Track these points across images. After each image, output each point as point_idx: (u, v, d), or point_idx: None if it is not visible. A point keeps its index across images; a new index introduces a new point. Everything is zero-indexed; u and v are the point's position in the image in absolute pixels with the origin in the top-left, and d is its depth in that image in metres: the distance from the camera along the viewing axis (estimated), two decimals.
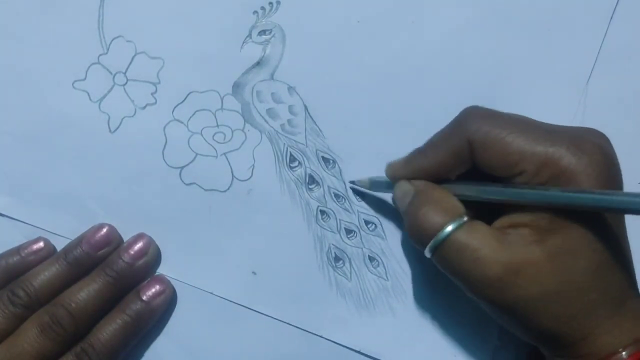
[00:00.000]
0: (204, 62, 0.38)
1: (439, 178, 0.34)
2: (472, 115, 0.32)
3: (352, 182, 0.39)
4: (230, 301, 0.39)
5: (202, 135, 0.39)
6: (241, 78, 0.39)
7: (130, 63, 0.38)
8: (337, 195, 0.39)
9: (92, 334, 0.36)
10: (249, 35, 0.38)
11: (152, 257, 0.38)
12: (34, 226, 0.38)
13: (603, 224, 0.30)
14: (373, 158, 0.39)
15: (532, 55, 0.39)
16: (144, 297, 0.37)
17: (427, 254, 0.32)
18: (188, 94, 0.39)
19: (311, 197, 0.39)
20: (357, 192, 0.39)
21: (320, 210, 0.39)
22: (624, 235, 0.31)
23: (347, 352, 0.39)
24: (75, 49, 0.38)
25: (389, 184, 0.36)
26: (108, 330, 0.36)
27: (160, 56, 0.38)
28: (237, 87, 0.39)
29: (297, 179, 0.39)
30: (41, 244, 0.37)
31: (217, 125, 0.39)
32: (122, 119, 0.38)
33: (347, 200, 0.39)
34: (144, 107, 0.38)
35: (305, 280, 0.39)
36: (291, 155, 0.39)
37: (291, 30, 0.39)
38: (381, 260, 0.39)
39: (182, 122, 0.39)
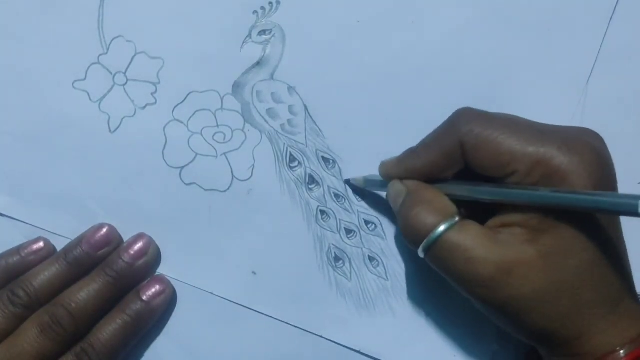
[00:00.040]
0: (204, 62, 0.38)
1: (431, 178, 0.34)
2: (464, 116, 0.32)
3: (347, 181, 0.39)
4: (230, 301, 0.39)
5: (202, 135, 0.39)
6: (241, 78, 0.39)
7: (130, 63, 0.38)
8: (337, 195, 0.39)
9: (92, 334, 0.36)
10: (249, 35, 0.38)
11: (152, 257, 0.38)
12: (34, 226, 0.38)
13: (596, 224, 0.30)
14: (373, 158, 0.38)
15: (532, 55, 0.39)
16: (144, 297, 0.37)
17: (421, 254, 0.32)
18: (188, 94, 0.39)
19: (311, 197, 0.39)
20: (356, 192, 0.39)
21: (320, 210, 0.39)
22: (619, 236, 0.31)
23: (347, 352, 0.39)
24: (75, 49, 0.38)
25: (383, 183, 0.36)
26: (108, 330, 0.36)
27: (160, 56, 0.38)
28: (237, 87, 0.39)
29: (297, 179, 0.39)
30: (41, 244, 0.37)
31: (217, 125, 0.39)
32: (122, 119, 0.38)
33: (347, 200, 0.39)
34: (144, 107, 0.38)
35: (305, 280, 0.39)
36: (291, 155, 0.39)
37: (291, 30, 0.39)
38: (381, 260, 0.39)
39: (182, 122, 0.39)
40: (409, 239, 0.33)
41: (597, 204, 0.27)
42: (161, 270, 0.39)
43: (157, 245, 0.38)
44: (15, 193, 0.38)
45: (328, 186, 0.39)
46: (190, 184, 0.39)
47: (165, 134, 0.38)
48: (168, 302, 0.38)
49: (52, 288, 0.36)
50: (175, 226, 0.39)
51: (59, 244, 0.38)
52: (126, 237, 0.38)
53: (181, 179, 0.39)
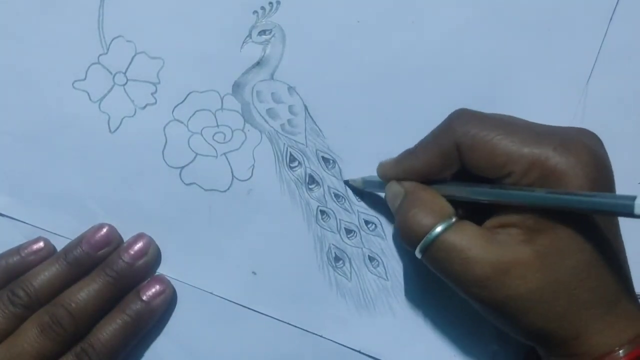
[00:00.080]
0: (204, 62, 0.38)
1: (429, 179, 0.34)
2: (460, 117, 0.32)
3: (346, 182, 0.39)
4: (230, 301, 0.39)
5: (202, 135, 0.39)
6: (241, 78, 0.39)
7: (130, 63, 0.38)
8: (337, 195, 0.39)
9: (92, 334, 0.36)
10: (249, 35, 0.38)
11: (152, 257, 0.38)
12: (34, 226, 0.38)
13: (593, 225, 0.30)
14: (373, 158, 0.38)
15: (532, 55, 0.39)
16: (144, 297, 0.37)
17: (418, 254, 0.32)
18: (188, 94, 0.39)
19: (311, 197, 0.39)
20: (356, 192, 0.39)
21: (320, 210, 0.39)
22: (617, 236, 0.31)
23: (347, 352, 0.39)
24: (75, 49, 0.38)
25: (381, 184, 0.36)
26: (108, 330, 0.36)
27: (160, 56, 0.38)
28: (237, 87, 0.39)
29: (297, 179, 0.39)
30: (41, 244, 0.37)
31: (217, 125, 0.39)
32: (122, 119, 0.38)
33: (347, 200, 0.39)
34: (144, 107, 0.38)
35: (305, 280, 0.39)
36: (291, 155, 0.39)
37: (291, 30, 0.39)
38: (381, 260, 0.39)
39: (182, 122, 0.39)
40: (406, 239, 0.33)
41: (593, 204, 0.27)
42: (161, 270, 0.39)
43: (157, 245, 0.38)
44: (15, 193, 0.38)
45: (328, 186, 0.39)
46: (190, 184, 0.39)
47: (165, 134, 0.38)
48: (168, 302, 0.38)
49: (52, 288, 0.36)
50: (175, 226, 0.39)
51: (59, 244, 0.38)
52: (126, 237, 0.38)
53: (181, 179, 0.39)
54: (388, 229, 0.39)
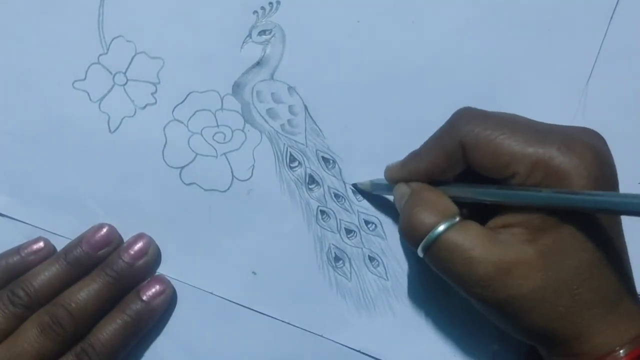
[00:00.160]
0: (204, 62, 0.38)
1: (434, 179, 0.34)
2: (463, 116, 0.32)
3: (355, 185, 0.39)
4: (230, 301, 0.39)
5: (202, 135, 0.39)
6: (241, 78, 0.39)
7: (130, 63, 0.38)
8: (337, 195, 0.39)
9: (92, 334, 0.36)
10: (249, 35, 0.38)
11: (152, 257, 0.38)
12: (34, 226, 0.38)
13: (596, 224, 0.30)
14: (373, 158, 0.39)
15: (532, 55, 0.39)
16: (144, 297, 0.37)
17: (420, 253, 0.32)
18: (188, 94, 0.39)
19: (311, 197, 0.39)
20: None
21: (320, 210, 0.39)
22: (619, 235, 0.31)
23: (347, 352, 0.39)
24: (75, 49, 0.38)
25: (389, 187, 0.36)
26: (108, 330, 0.36)
27: (160, 56, 0.38)
28: (237, 87, 0.39)
29: (297, 179, 0.39)
30: (41, 244, 0.37)
31: (217, 125, 0.39)
32: (122, 119, 0.38)
33: (347, 200, 0.39)
34: (144, 107, 0.38)
35: (305, 280, 0.39)
36: (291, 155, 0.39)
37: (291, 30, 0.39)
38: (381, 260, 0.39)
39: (182, 122, 0.39)
40: (409, 238, 0.33)
41: (599, 204, 0.27)
42: (161, 270, 0.39)
43: (157, 245, 0.38)
44: (15, 193, 0.38)
45: (328, 186, 0.39)
46: (190, 184, 0.39)
47: (165, 134, 0.38)
48: (168, 302, 0.38)
49: (52, 288, 0.36)
50: (175, 226, 0.39)
51: (59, 244, 0.38)
52: (126, 237, 0.38)
53: (181, 179, 0.39)
54: (388, 229, 0.39)
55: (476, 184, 0.32)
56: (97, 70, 0.38)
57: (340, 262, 0.39)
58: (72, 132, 0.38)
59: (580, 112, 0.39)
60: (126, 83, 0.38)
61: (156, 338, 0.38)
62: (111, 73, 0.38)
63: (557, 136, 0.30)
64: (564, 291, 0.30)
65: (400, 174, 0.35)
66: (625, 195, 0.26)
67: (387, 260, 0.39)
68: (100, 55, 0.38)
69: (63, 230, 0.38)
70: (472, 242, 0.30)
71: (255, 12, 0.38)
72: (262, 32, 0.38)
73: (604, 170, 0.30)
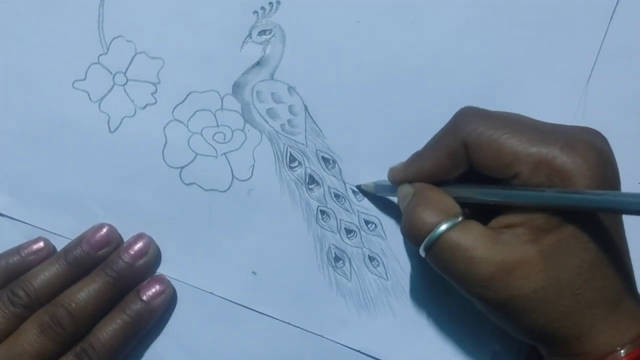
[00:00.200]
0: (204, 62, 0.38)
1: (438, 180, 0.34)
2: (466, 115, 0.32)
3: (359, 187, 0.39)
4: (230, 301, 0.39)
5: (202, 135, 0.39)
6: (241, 78, 0.39)
7: (130, 63, 0.38)
8: (337, 195, 0.39)
9: (92, 334, 0.36)
10: (249, 35, 0.38)
11: (152, 257, 0.38)
12: (34, 226, 0.38)
13: (598, 224, 0.30)
14: (373, 158, 0.39)
15: (532, 55, 0.39)
16: (144, 297, 0.37)
17: (422, 253, 0.32)
18: (188, 94, 0.39)
19: (311, 197, 0.39)
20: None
21: (320, 210, 0.39)
22: (621, 235, 0.31)
23: (347, 352, 0.39)
24: (75, 49, 0.38)
25: (393, 188, 0.36)
26: (108, 330, 0.36)
27: (160, 56, 0.38)
28: (237, 87, 0.39)
29: (297, 179, 0.39)
30: (41, 244, 0.37)
31: (217, 125, 0.39)
32: (122, 119, 0.38)
33: (347, 200, 0.39)
34: (144, 107, 0.38)
35: (305, 280, 0.39)
36: (291, 155, 0.39)
37: (291, 30, 0.39)
38: (381, 260, 0.39)
39: (182, 122, 0.39)
40: (411, 237, 0.33)
41: (605, 203, 0.27)
42: (161, 270, 0.39)
43: (157, 245, 0.38)
44: (15, 193, 0.38)
45: (328, 186, 0.39)
46: (190, 184, 0.39)
47: (165, 134, 0.38)
48: (168, 302, 0.38)
49: (52, 288, 0.36)
50: (175, 226, 0.39)
51: (59, 244, 0.38)
52: (126, 237, 0.38)
53: (181, 179, 0.39)
54: (388, 229, 0.39)
55: (479, 184, 0.32)
56: (97, 70, 0.38)
57: (340, 262, 0.39)
58: (72, 132, 0.38)
59: (580, 112, 0.39)
60: (126, 83, 0.38)
61: (156, 338, 0.38)
62: (111, 73, 0.38)
63: (560, 136, 0.30)
64: (565, 291, 0.30)
65: (404, 175, 0.35)
66: (631, 195, 0.26)
67: (387, 260, 0.39)
68: (100, 55, 0.38)
69: (63, 230, 0.38)
70: (474, 241, 0.30)
71: (255, 12, 0.38)
72: (262, 32, 0.38)
73: (606, 170, 0.30)
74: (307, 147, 0.39)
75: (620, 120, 0.39)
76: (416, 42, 0.39)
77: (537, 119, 0.33)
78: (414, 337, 0.39)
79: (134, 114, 0.38)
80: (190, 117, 0.39)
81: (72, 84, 0.38)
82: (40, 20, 0.38)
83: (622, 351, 0.29)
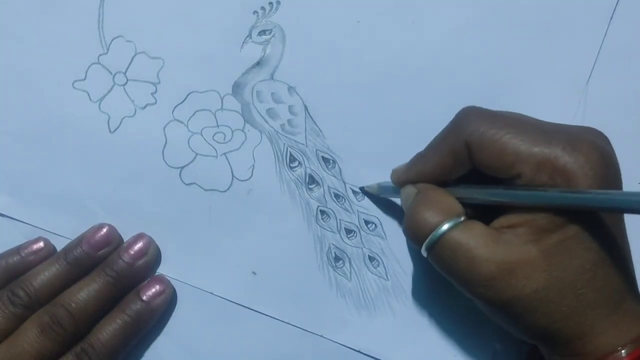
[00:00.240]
0: (204, 62, 0.38)
1: (441, 180, 0.34)
2: (469, 115, 0.32)
3: (362, 189, 0.39)
4: (230, 301, 0.39)
5: (202, 135, 0.39)
6: (241, 78, 0.39)
7: (130, 63, 0.38)
8: (337, 195, 0.39)
9: (92, 334, 0.36)
10: (249, 35, 0.38)
11: (152, 257, 0.38)
12: (34, 226, 0.38)
13: (600, 224, 0.30)
14: (373, 158, 0.39)
15: (532, 55, 0.39)
16: (144, 297, 0.37)
17: (423, 252, 0.32)
18: (188, 94, 0.39)
19: (311, 197, 0.39)
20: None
21: (320, 210, 0.39)
22: (623, 235, 0.31)
23: (347, 352, 0.39)
24: (75, 49, 0.38)
25: (396, 189, 0.36)
26: (108, 330, 0.36)
27: (160, 56, 0.38)
28: (237, 87, 0.39)
29: (297, 179, 0.39)
30: (41, 244, 0.37)
31: (217, 125, 0.39)
32: (122, 119, 0.38)
33: (347, 200, 0.39)
34: (144, 107, 0.38)
35: (305, 280, 0.39)
36: (291, 155, 0.39)
37: (291, 30, 0.39)
38: (381, 260, 0.39)
39: (182, 122, 0.39)
40: (412, 237, 0.33)
41: (605, 202, 0.27)
42: (161, 270, 0.39)
43: (157, 245, 0.38)
44: (15, 193, 0.38)
45: (328, 186, 0.39)
46: (190, 184, 0.39)
47: (165, 134, 0.38)
48: (168, 302, 0.38)
49: (52, 288, 0.36)
50: (175, 226, 0.39)
51: (59, 244, 0.38)
52: (126, 237, 0.38)
53: (181, 179, 0.39)
54: (388, 229, 0.39)
55: (481, 185, 0.32)
56: (97, 70, 0.38)
57: (340, 262, 0.39)
58: (72, 132, 0.38)
59: (580, 112, 0.39)
60: (126, 83, 0.38)
61: (156, 338, 0.38)
62: (111, 73, 0.38)
63: (562, 136, 0.30)
64: (567, 291, 0.30)
65: (407, 176, 0.35)
66: (636, 194, 0.26)
67: (387, 260, 0.39)
68: (100, 55, 0.38)
69: (63, 230, 0.38)
70: (476, 241, 0.30)
71: (255, 12, 0.38)
72: (262, 32, 0.38)
73: (608, 170, 0.30)
74: (307, 147, 0.39)
75: (620, 120, 0.39)
76: (416, 42, 0.39)
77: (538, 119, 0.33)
78: (414, 337, 0.39)
79: (134, 114, 0.38)
80: (190, 117, 0.39)
81: (72, 84, 0.38)
82: (40, 20, 0.38)
83: (623, 351, 0.29)
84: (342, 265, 0.39)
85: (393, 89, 0.39)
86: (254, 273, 0.39)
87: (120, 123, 0.38)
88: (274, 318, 0.39)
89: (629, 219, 0.31)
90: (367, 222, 0.39)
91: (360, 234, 0.39)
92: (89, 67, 0.38)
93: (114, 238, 0.38)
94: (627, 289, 0.30)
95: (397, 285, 0.39)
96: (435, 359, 0.39)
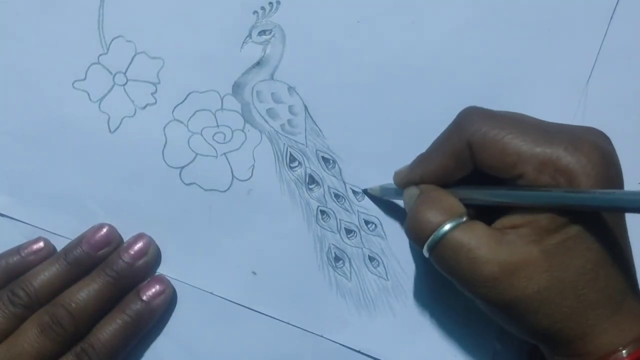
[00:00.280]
0: (204, 62, 0.38)
1: (443, 181, 0.34)
2: (470, 115, 0.32)
3: (365, 190, 0.39)
4: (230, 301, 0.39)
5: (202, 135, 0.39)
6: (241, 78, 0.39)
7: (130, 63, 0.38)
8: (337, 195, 0.39)
9: (92, 334, 0.36)
10: (249, 35, 0.38)
11: (152, 257, 0.38)
12: (34, 226, 0.38)
13: (601, 224, 0.30)
14: (373, 158, 0.39)
15: (532, 55, 0.39)
16: (144, 297, 0.37)
17: (425, 252, 0.32)
18: (188, 94, 0.39)
19: (311, 197, 0.39)
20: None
21: (320, 210, 0.39)
22: (624, 235, 0.31)
23: (347, 352, 0.39)
24: (75, 49, 0.38)
25: (398, 191, 0.36)
26: (108, 330, 0.36)
27: (160, 56, 0.38)
28: (237, 87, 0.39)
29: (297, 179, 0.39)
30: (41, 244, 0.37)
31: (217, 125, 0.39)
32: (122, 119, 0.38)
33: (347, 200, 0.39)
34: (144, 107, 0.38)
35: (305, 280, 0.39)
36: (291, 155, 0.39)
37: (291, 30, 0.39)
38: (381, 260, 0.39)
39: (182, 122, 0.39)
40: (414, 237, 0.33)
41: (607, 202, 0.27)
42: (161, 270, 0.39)
43: (157, 245, 0.38)
44: (15, 193, 0.38)
45: (328, 186, 0.39)
46: (190, 184, 0.39)
47: (165, 134, 0.38)
48: (168, 302, 0.38)
49: (52, 288, 0.36)
50: (175, 226, 0.39)
51: (59, 244, 0.38)
52: (126, 237, 0.38)
53: (181, 179, 0.39)
54: (388, 229, 0.39)
55: (485, 186, 0.32)
56: (97, 70, 0.38)
57: (340, 262, 0.39)
58: (72, 132, 0.38)
59: (580, 112, 0.39)
60: (126, 83, 0.38)
61: (156, 338, 0.38)
62: (111, 73, 0.38)
63: (564, 136, 0.30)
64: (569, 292, 0.29)
65: (409, 178, 0.35)
66: (638, 193, 0.26)
67: (387, 260, 0.39)
68: (100, 55, 0.38)
69: (63, 230, 0.38)
70: (478, 242, 0.30)
71: (255, 12, 0.38)
72: (262, 32, 0.38)
73: (610, 170, 0.30)
74: (307, 147, 0.39)
75: (620, 120, 0.39)
76: (416, 42, 0.39)
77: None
78: (414, 337, 0.39)
79: (134, 114, 0.38)
80: (190, 117, 0.39)
81: (72, 84, 0.38)
82: (40, 20, 0.38)
83: (624, 351, 0.29)
84: (342, 265, 0.39)
85: (393, 89, 0.39)
86: (254, 273, 0.39)
87: (120, 123, 0.38)
88: (274, 318, 0.39)
89: (630, 219, 0.31)
90: (367, 222, 0.39)
91: (360, 234, 0.39)
92: (89, 67, 0.38)
93: (114, 238, 0.38)
94: (628, 289, 0.30)
95: (397, 285, 0.39)
96: (435, 359, 0.39)
